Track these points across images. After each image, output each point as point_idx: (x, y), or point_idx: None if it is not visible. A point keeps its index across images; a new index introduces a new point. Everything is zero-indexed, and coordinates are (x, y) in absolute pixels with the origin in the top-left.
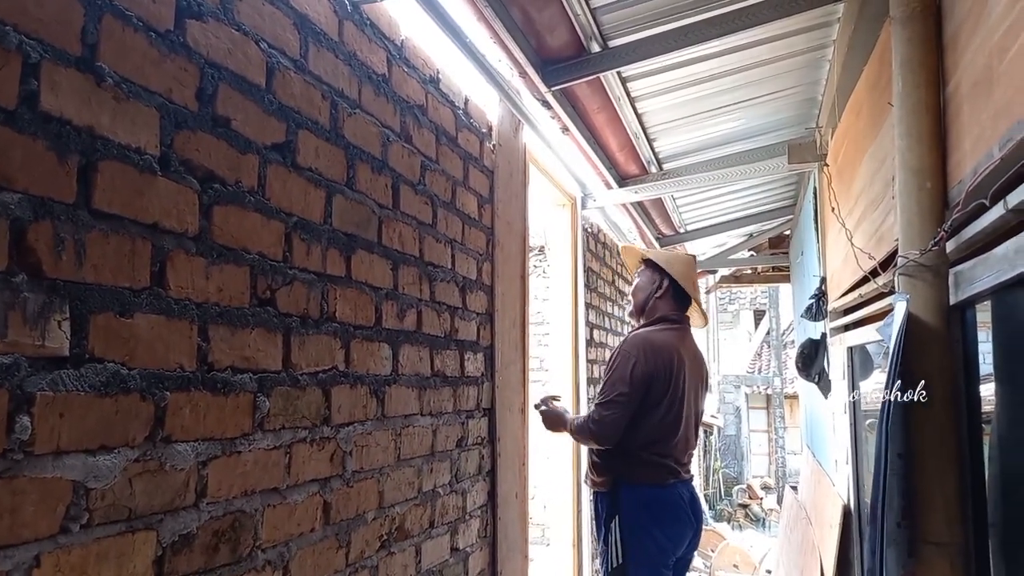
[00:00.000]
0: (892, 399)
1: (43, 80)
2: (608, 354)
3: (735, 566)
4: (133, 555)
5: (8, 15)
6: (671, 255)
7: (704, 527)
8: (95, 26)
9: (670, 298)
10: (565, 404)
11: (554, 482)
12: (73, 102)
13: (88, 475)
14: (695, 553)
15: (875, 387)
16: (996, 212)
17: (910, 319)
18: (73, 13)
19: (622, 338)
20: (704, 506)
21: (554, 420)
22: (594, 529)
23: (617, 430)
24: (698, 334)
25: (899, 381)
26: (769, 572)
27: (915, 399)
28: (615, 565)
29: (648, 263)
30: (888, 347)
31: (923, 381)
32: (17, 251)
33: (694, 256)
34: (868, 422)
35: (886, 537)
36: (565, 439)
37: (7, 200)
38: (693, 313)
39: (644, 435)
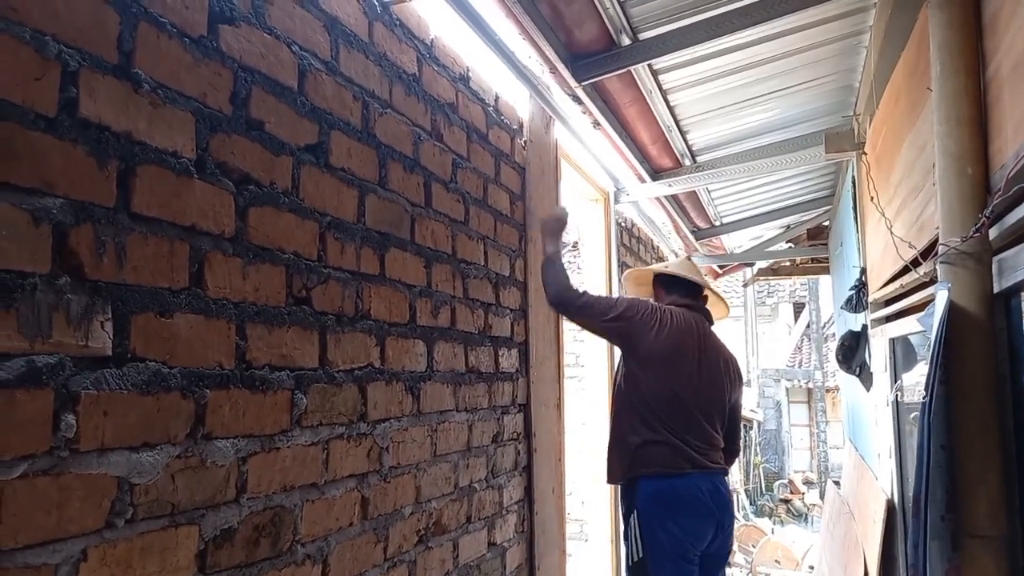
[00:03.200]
0: (934, 390)
1: (82, 87)
2: None
3: (777, 562)
4: (176, 549)
5: (47, 25)
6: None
7: (745, 523)
8: (131, 34)
9: (668, 291)
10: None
11: (592, 478)
12: (111, 108)
13: (132, 471)
14: (732, 548)
15: (919, 379)
16: None
17: (952, 308)
18: (109, 21)
19: None
20: (744, 501)
21: (552, 229)
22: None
23: (573, 308)
24: (737, 328)
25: (941, 372)
26: (812, 568)
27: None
28: (635, 560)
29: (651, 282)
30: (930, 337)
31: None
32: (60, 254)
33: (688, 255)
34: (912, 415)
35: (930, 531)
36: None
37: (49, 205)
38: (712, 305)
39: (647, 395)
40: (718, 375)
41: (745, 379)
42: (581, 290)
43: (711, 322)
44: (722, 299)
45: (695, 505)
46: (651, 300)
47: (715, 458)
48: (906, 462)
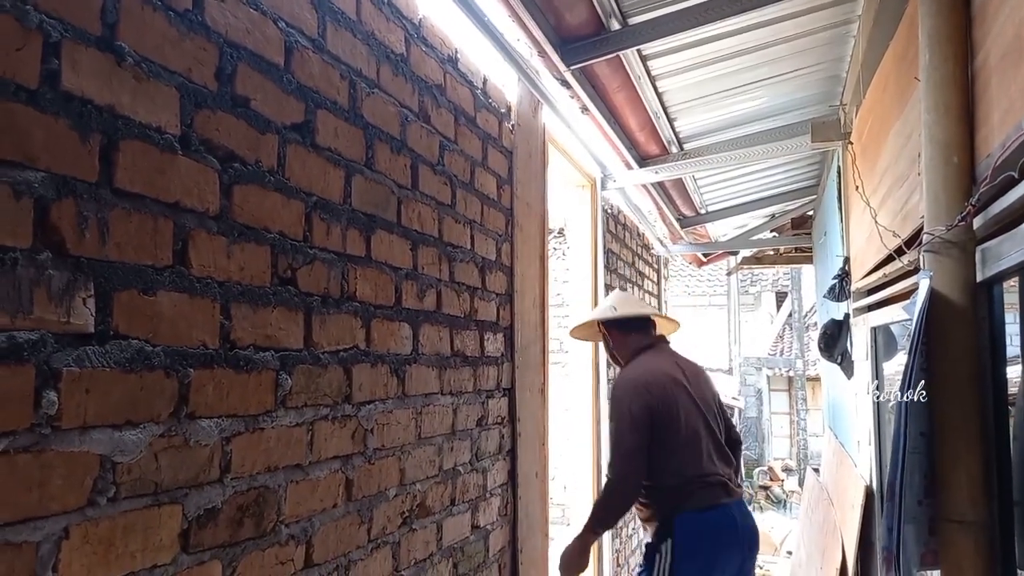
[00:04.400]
0: (913, 376)
1: (64, 59)
2: None
3: None
4: (159, 528)
5: None
6: (596, 309)
7: None
8: (115, 5)
9: (625, 333)
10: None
11: (574, 463)
12: (94, 81)
13: (114, 449)
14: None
15: (898, 368)
16: None
17: (936, 296)
18: None
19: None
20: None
21: (577, 549)
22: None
23: (638, 470)
24: (719, 317)
25: (922, 359)
26: (790, 553)
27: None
28: None
29: (597, 326)
30: (910, 325)
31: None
32: (41, 229)
33: (615, 289)
34: (891, 403)
35: (904, 515)
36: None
37: (31, 178)
38: (660, 325)
39: (672, 462)
40: (703, 393)
41: (727, 367)
42: (611, 473)
43: (668, 342)
44: (669, 319)
45: (731, 538)
46: (622, 384)
47: (737, 477)
48: (885, 449)
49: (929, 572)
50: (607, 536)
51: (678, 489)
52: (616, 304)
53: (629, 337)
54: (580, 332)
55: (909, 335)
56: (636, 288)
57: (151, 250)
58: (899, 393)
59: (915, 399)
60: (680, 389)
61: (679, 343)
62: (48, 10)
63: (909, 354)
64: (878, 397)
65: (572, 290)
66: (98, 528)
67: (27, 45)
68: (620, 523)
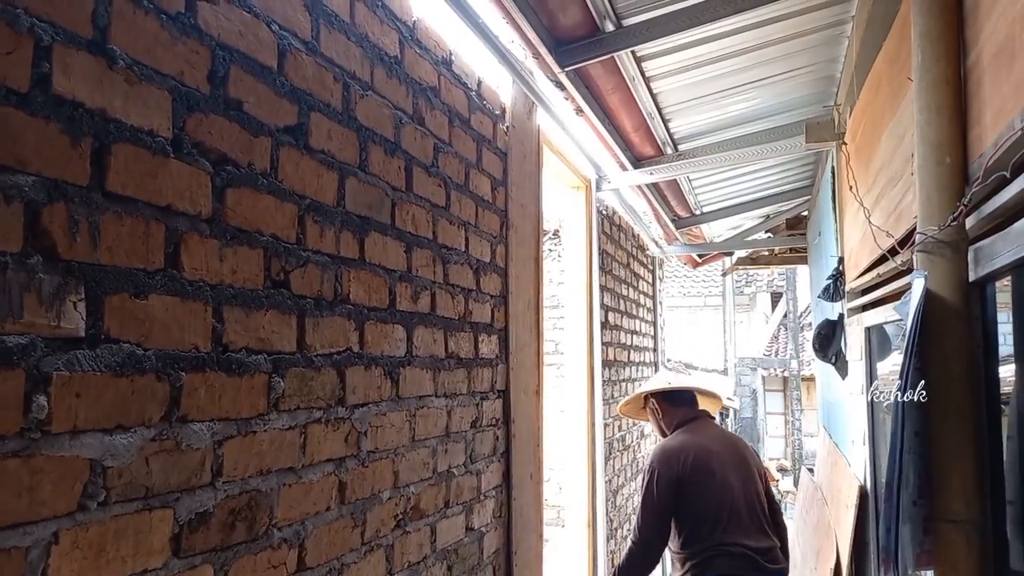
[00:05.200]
0: (909, 377)
1: (55, 63)
2: (623, 336)
3: None
4: (150, 532)
5: None
6: (647, 383)
7: None
8: (106, 8)
9: (671, 407)
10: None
11: (569, 464)
12: (85, 85)
13: (105, 454)
14: None
15: (893, 367)
16: (1017, 186)
17: (929, 296)
18: None
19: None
20: None
21: None
22: None
23: (660, 535)
24: (714, 317)
25: (916, 359)
26: None
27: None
28: None
29: (644, 400)
30: (905, 325)
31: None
32: (32, 233)
33: (663, 369)
34: (885, 403)
35: (901, 515)
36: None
37: (21, 182)
38: (704, 402)
39: (698, 530)
40: (740, 468)
41: (722, 368)
42: (634, 537)
43: (713, 418)
44: (711, 394)
45: None
46: (655, 452)
47: (773, 553)
48: (879, 449)
49: (924, 572)
50: (601, 537)
51: (699, 555)
52: (670, 379)
53: (675, 410)
54: (628, 410)
55: (904, 335)
56: (631, 288)
57: (143, 253)
58: (897, 393)
59: (914, 399)
60: (714, 461)
61: (678, 342)
62: (39, 13)
63: (905, 354)
64: (878, 398)
65: (567, 292)
66: (88, 533)
67: (18, 48)
68: (615, 524)
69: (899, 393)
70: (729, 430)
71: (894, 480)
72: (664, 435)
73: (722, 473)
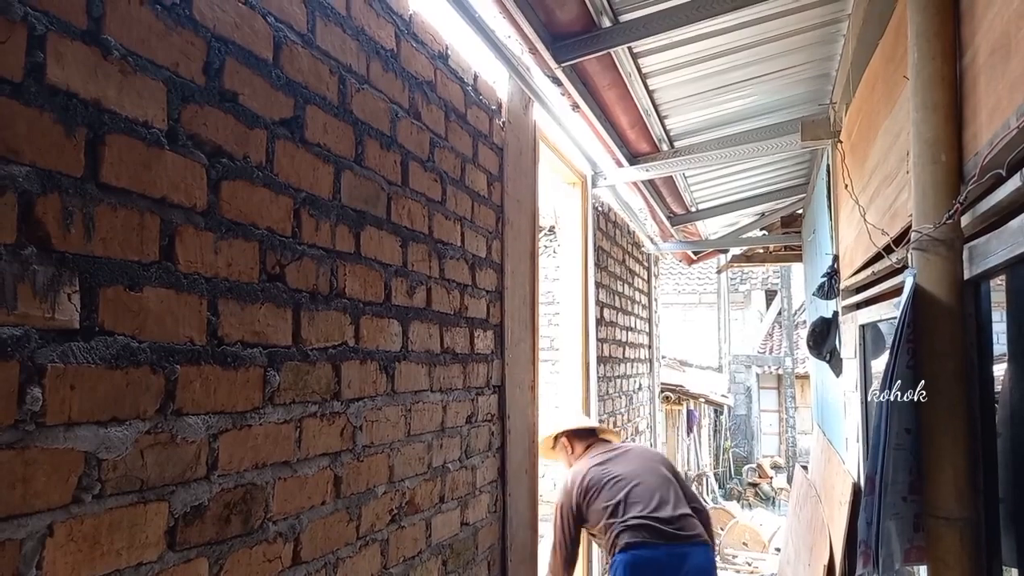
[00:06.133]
0: (894, 374)
1: (49, 52)
2: (618, 333)
3: (744, 544)
4: (145, 525)
5: None
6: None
7: (714, 505)
8: None
9: (575, 441)
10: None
11: None
12: (80, 75)
13: (100, 446)
14: None
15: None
16: (1012, 184)
17: (923, 294)
18: None
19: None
20: (713, 484)
21: None
22: None
23: (566, 561)
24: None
25: (909, 356)
26: (778, 550)
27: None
28: None
29: (556, 439)
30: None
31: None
32: (25, 224)
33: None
34: (876, 400)
35: (884, 510)
36: None
37: (15, 173)
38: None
39: (602, 521)
40: (645, 462)
41: (717, 365)
42: (550, 563)
43: (608, 441)
44: (610, 431)
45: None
46: (563, 494)
47: (688, 527)
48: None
49: (914, 568)
50: None
51: (610, 536)
52: (571, 420)
53: (581, 442)
54: (546, 448)
55: (894, 332)
56: (625, 285)
57: (137, 246)
58: (882, 390)
59: (901, 397)
60: (605, 468)
61: (672, 340)
62: (33, 2)
63: (891, 351)
64: (875, 398)
65: (562, 288)
66: (83, 525)
67: (11, 38)
68: None
69: (886, 390)
70: (633, 443)
71: (876, 475)
72: (569, 466)
73: (614, 473)
